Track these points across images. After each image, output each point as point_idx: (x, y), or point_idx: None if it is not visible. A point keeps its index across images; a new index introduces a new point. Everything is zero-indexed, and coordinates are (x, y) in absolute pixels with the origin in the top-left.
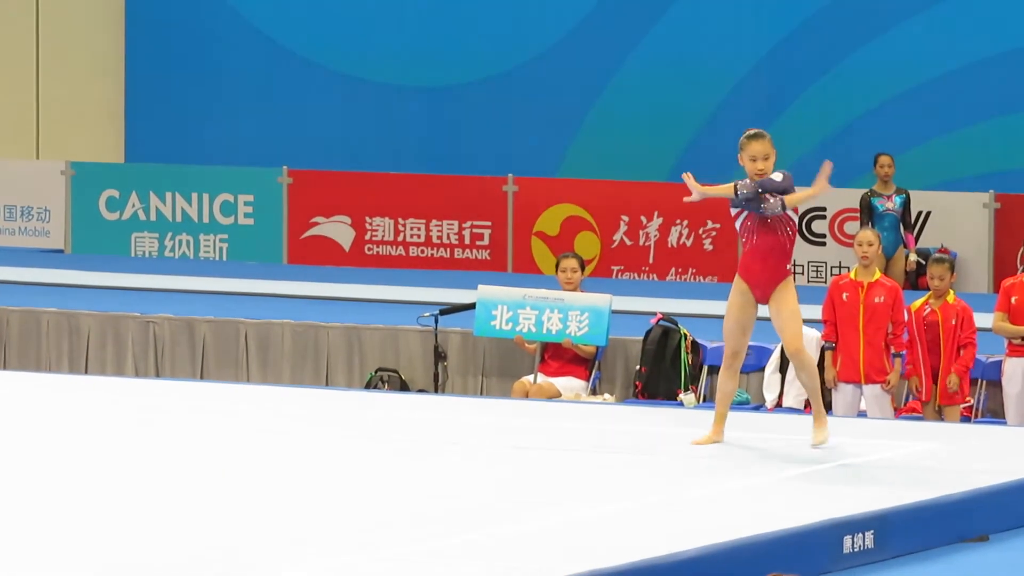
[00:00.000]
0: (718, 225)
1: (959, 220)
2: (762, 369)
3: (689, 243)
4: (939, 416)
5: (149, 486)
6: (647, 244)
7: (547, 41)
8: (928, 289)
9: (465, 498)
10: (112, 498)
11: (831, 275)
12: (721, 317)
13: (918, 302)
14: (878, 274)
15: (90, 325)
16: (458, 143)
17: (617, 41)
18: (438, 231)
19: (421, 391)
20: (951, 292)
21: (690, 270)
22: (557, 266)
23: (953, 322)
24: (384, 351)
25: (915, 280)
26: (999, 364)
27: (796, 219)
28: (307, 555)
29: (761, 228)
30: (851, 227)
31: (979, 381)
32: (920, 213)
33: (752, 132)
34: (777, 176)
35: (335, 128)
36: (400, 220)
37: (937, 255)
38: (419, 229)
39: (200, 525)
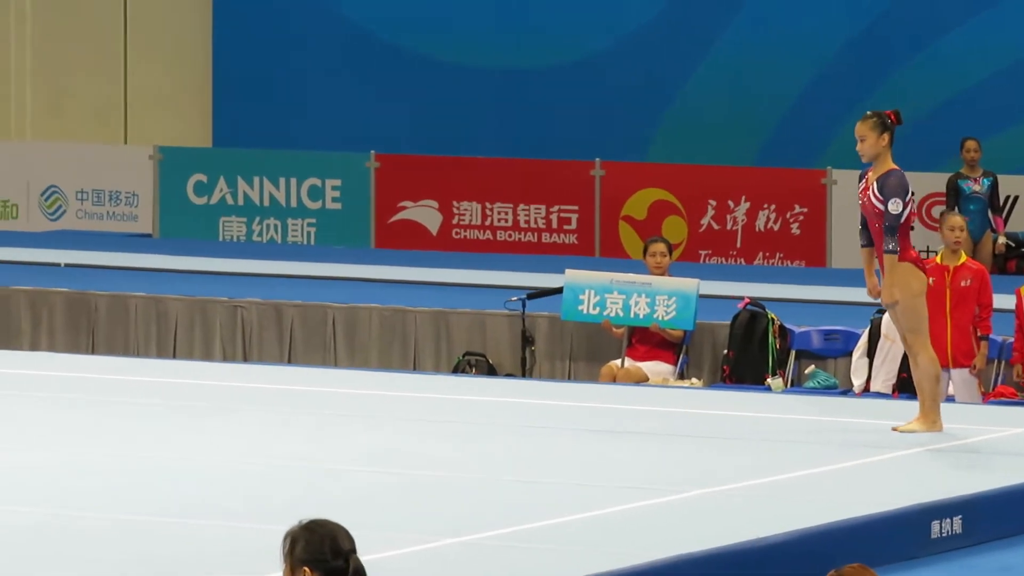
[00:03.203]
0: (805, 209)
1: None
2: (850, 354)
3: (777, 227)
4: None
5: (232, 468)
6: (734, 228)
7: (635, 23)
8: (1017, 273)
9: (551, 482)
10: (202, 482)
11: None
12: (807, 301)
13: None
14: (964, 257)
15: (178, 309)
16: (546, 127)
17: (705, 24)
18: (525, 215)
19: (509, 375)
20: None
21: (777, 254)
22: (645, 250)
23: None
24: (471, 335)
25: (1003, 264)
26: None
27: (884, 206)
28: (391, 539)
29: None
30: (939, 211)
31: None
32: (1008, 197)
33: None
34: (893, 207)
35: (423, 112)
36: (487, 204)
37: None
38: (506, 213)
39: (280, 509)
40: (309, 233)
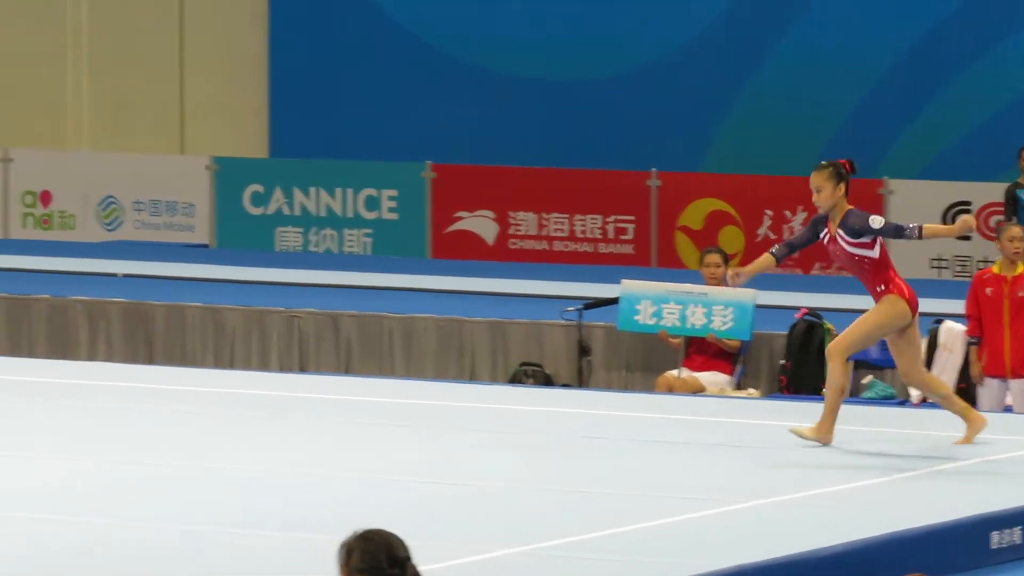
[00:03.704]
0: None
1: None
2: None
3: None
4: None
5: (289, 478)
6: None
7: (690, 33)
8: None
9: (609, 493)
10: (259, 493)
11: (976, 269)
12: (865, 311)
13: None
14: (1021, 268)
15: (235, 320)
16: (602, 137)
17: (761, 33)
18: (581, 225)
19: (565, 386)
20: None
21: (834, 264)
22: (701, 260)
23: None
24: (528, 345)
25: None
26: None
27: (863, 239)
28: (449, 549)
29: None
30: (996, 221)
31: None
32: None
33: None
34: (876, 223)
35: (478, 123)
36: (543, 214)
37: None
38: (563, 223)
39: (337, 518)
40: (365, 243)
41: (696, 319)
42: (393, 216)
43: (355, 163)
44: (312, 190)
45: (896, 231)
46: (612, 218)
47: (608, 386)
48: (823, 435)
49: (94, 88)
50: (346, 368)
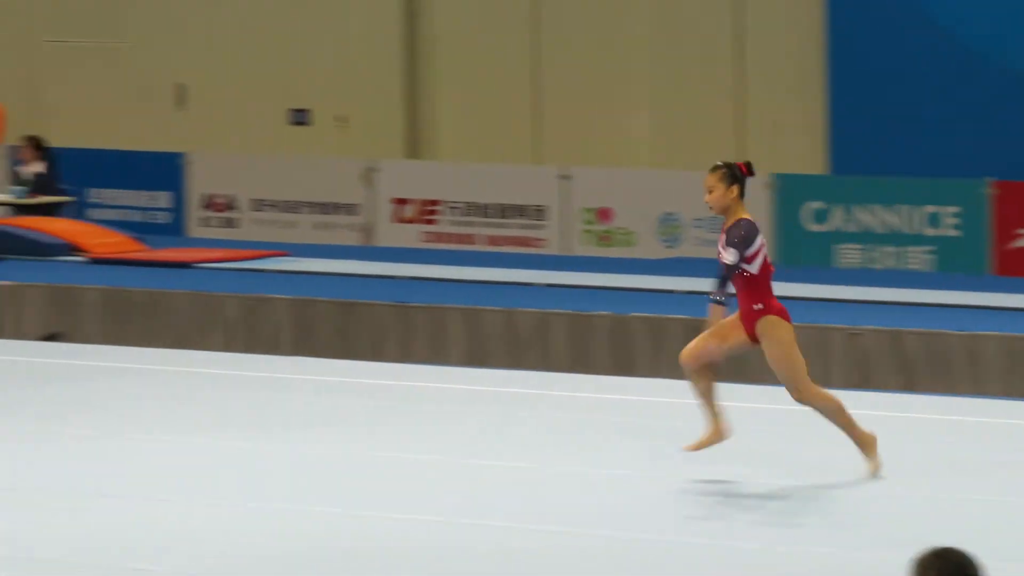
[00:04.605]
0: None
1: None
2: None
3: None
4: None
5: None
6: None
7: None
8: None
9: None
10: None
11: None
12: None
13: None
14: None
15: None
16: None
17: None
18: None
19: None
20: None
21: None
22: None
23: None
24: None
25: None
26: None
27: (750, 267)
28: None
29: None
30: None
31: None
32: None
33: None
34: (728, 257)
35: None
36: None
37: None
38: None
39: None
40: (927, 260)
41: None
42: (955, 233)
43: (916, 180)
44: (872, 207)
45: (719, 279)
46: None
47: None
48: (870, 451)
49: (654, 105)
50: (909, 386)
